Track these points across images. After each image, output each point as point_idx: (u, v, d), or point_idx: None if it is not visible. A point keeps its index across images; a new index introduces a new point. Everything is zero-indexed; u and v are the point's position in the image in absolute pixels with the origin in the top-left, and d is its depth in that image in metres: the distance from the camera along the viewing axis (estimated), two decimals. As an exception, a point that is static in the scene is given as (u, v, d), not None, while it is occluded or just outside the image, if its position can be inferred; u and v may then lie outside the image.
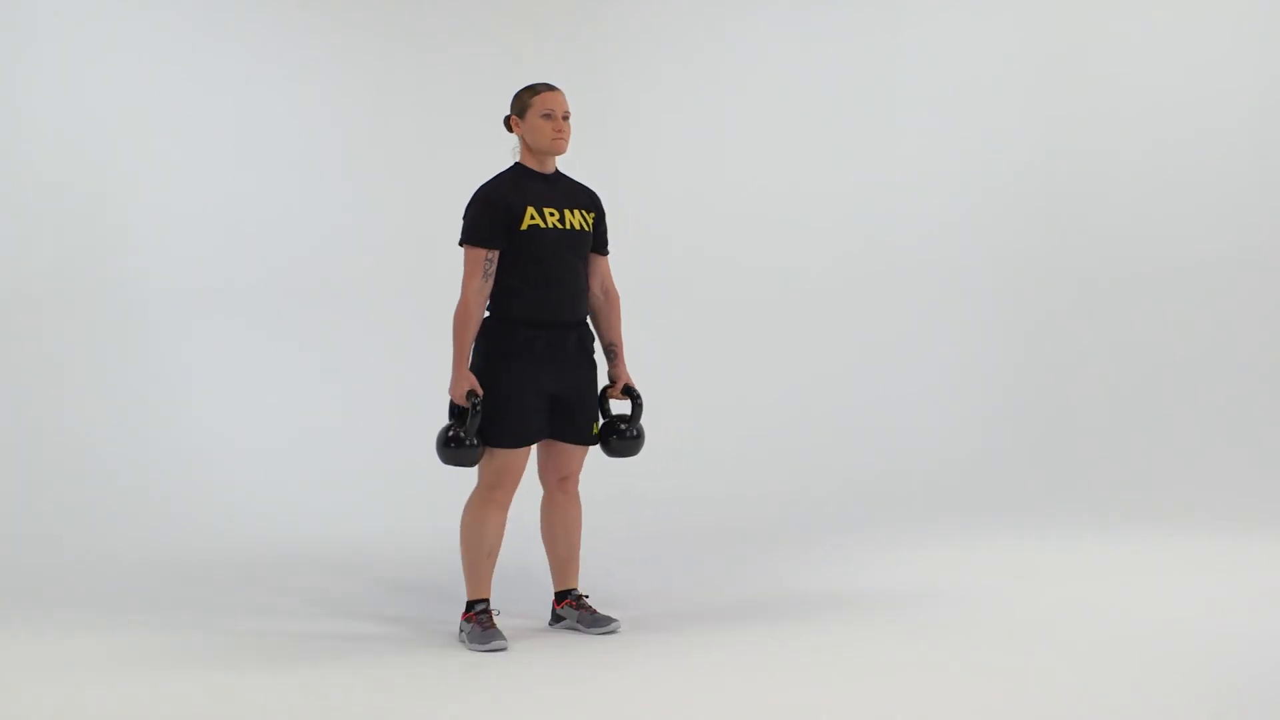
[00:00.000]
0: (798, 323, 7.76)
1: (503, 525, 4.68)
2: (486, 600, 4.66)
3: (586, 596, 4.87)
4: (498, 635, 4.58)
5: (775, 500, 7.04)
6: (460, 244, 4.63)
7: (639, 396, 4.81)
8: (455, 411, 4.57)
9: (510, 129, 4.73)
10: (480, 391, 4.53)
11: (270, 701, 4.02)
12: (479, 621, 4.61)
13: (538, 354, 4.61)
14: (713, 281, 7.74)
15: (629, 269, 7.40)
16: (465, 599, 4.70)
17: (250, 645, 4.67)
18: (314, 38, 7.38)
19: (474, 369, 4.59)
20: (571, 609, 4.81)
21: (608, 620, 4.75)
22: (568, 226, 4.66)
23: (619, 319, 4.87)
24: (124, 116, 7.01)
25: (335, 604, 5.26)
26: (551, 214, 4.64)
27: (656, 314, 7.60)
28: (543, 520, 4.85)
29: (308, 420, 7.08)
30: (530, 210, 4.60)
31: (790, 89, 7.86)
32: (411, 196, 7.29)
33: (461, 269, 4.59)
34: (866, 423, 7.62)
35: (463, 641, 4.64)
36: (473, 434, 4.51)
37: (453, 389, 4.56)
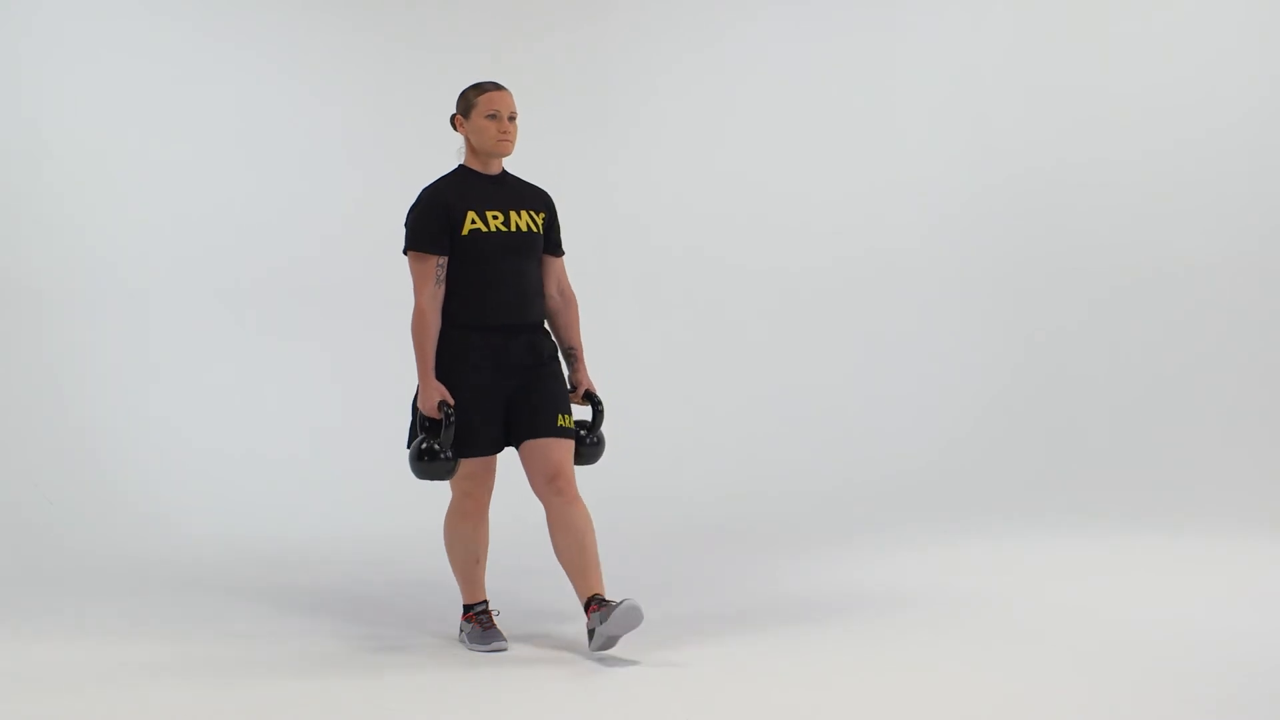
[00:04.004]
0: (797, 324, 7.75)
1: (485, 531, 4.62)
2: (485, 601, 4.66)
3: (610, 601, 4.39)
4: (498, 635, 4.57)
5: (775, 501, 7.03)
6: (405, 252, 4.51)
7: (600, 403, 4.65)
8: (425, 424, 4.43)
9: (455, 128, 4.59)
10: (452, 401, 4.40)
11: (269, 702, 4.02)
12: (479, 622, 4.60)
13: (482, 359, 4.46)
14: (712, 283, 7.72)
15: (628, 270, 7.44)
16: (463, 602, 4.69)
17: (249, 646, 4.67)
18: (317, 37, 7.36)
19: None
20: (596, 613, 4.34)
21: (616, 603, 4.26)
22: (513, 228, 4.52)
23: (577, 321, 4.70)
24: (125, 117, 7.00)
25: (335, 604, 5.26)
26: (495, 216, 4.51)
27: (656, 315, 7.60)
28: (550, 535, 4.51)
29: (309, 420, 7.06)
30: (471, 215, 4.48)
31: (789, 91, 7.84)
32: (413, 197, 7.27)
33: (410, 277, 4.47)
34: (867, 424, 7.61)
35: (463, 642, 4.63)
36: (448, 446, 4.38)
37: (422, 401, 4.44)
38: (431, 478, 4.43)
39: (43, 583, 5.65)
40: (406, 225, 4.54)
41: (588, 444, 4.62)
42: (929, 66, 7.92)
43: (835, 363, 7.74)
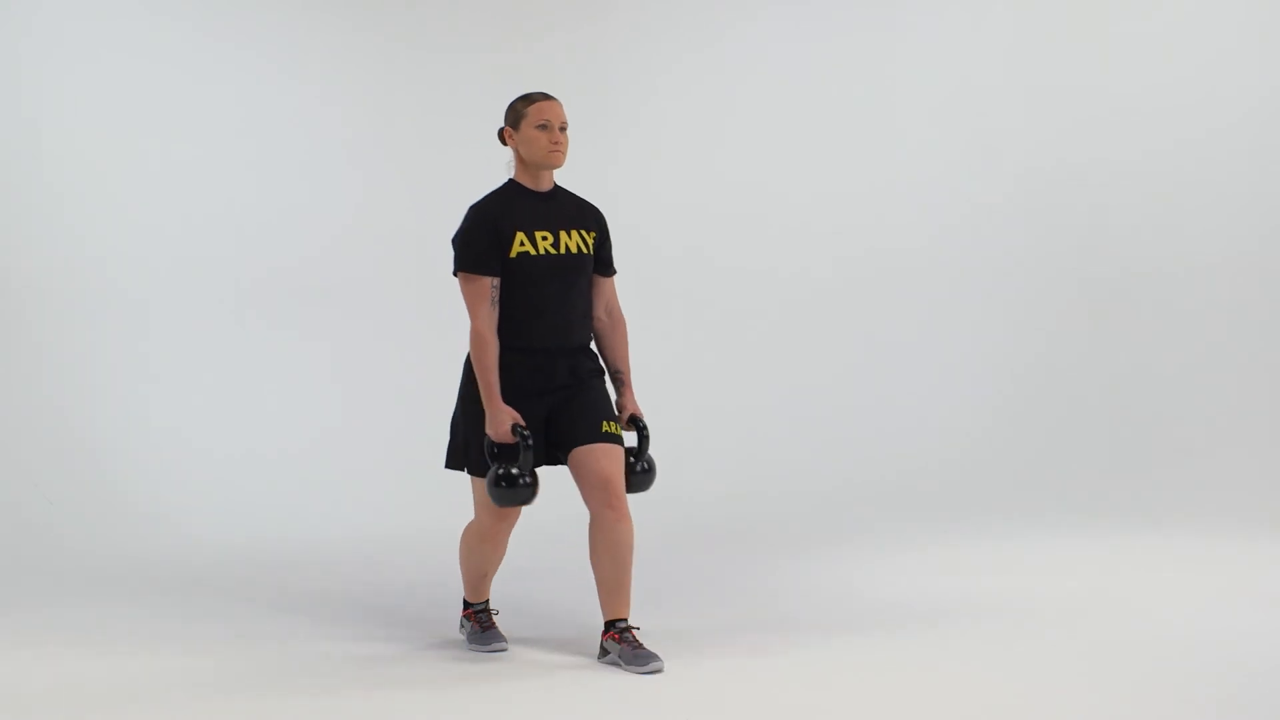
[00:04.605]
0: (797, 324, 7.74)
1: (502, 552, 4.57)
2: (486, 601, 4.66)
3: (636, 629, 4.35)
4: (498, 636, 4.57)
5: (775, 501, 7.02)
6: (455, 273, 4.34)
7: (646, 428, 4.46)
8: (495, 450, 4.25)
9: (504, 142, 4.42)
10: (524, 423, 4.25)
11: (269, 702, 4.02)
12: (478, 622, 4.60)
13: (524, 383, 4.31)
14: (712, 283, 7.71)
15: (628, 271, 7.36)
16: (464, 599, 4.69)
17: (249, 646, 4.67)
18: (317, 37, 7.35)
19: (464, 396, 4.39)
20: (614, 642, 4.30)
21: (649, 658, 4.24)
22: (562, 250, 4.35)
23: (625, 343, 4.52)
24: (125, 117, 6.99)
25: (335, 604, 5.26)
26: (544, 238, 4.33)
27: (656, 316, 7.57)
28: (589, 543, 4.35)
29: (309, 420, 7.06)
30: (520, 236, 4.30)
31: (789, 91, 7.84)
32: (417, 197, 7.28)
33: (463, 299, 4.32)
34: (866, 424, 7.60)
35: (463, 637, 4.63)
36: (528, 470, 4.20)
37: (492, 427, 4.25)
38: (514, 504, 4.25)
39: (43, 583, 5.65)
40: (454, 245, 4.36)
41: (636, 471, 4.43)
42: (929, 66, 7.91)
43: (835, 363, 7.73)
